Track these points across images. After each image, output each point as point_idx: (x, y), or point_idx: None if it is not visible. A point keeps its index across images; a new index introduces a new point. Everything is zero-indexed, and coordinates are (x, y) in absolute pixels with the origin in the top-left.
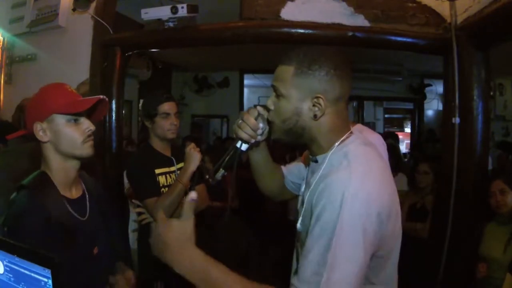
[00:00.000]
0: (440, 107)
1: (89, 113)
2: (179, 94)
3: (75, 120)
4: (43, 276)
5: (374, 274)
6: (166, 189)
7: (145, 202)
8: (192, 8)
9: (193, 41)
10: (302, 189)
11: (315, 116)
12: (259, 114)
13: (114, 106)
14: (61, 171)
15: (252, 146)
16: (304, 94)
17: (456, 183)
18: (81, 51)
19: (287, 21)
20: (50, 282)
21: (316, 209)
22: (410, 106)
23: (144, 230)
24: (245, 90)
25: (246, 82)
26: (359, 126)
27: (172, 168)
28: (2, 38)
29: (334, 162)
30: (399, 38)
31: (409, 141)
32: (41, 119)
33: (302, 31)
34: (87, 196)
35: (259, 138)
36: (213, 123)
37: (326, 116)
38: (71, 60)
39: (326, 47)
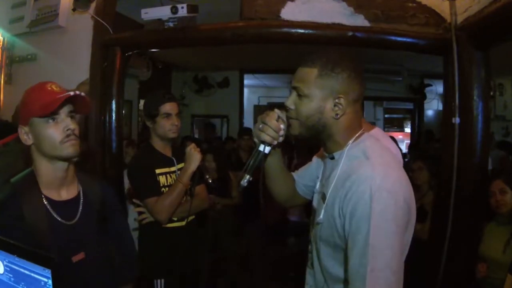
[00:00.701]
0: (440, 107)
1: (75, 110)
2: (179, 94)
3: (53, 120)
4: (43, 276)
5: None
6: (167, 189)
7: (145, 201)
8: (192, 8)
9: (193, 41)
10: (317, 186)
11: (336, 115)
12: (278, 116)
13: (114, 106)
14: (48, 172)
15: (274, 148)
16: (327, 94)
17: (456, 183)
18: (81, 51)
19: (287, 21)
20: (50, 282)
21: (347, 207)
22: (410, 106)
23: (144, 230)
24: (245, 90)
25: (246, 82)
26: (377, 131)
27: (173, 168)
28: (2, 38)
29: (352, 158)
30: (399, 38)
31: (409, 141)
32: (24, 123)
33: (302, 31)
34: (81, 199)
35: (280, 139)
36: (214, 123)
37: (346, 115)
38: (71, 60)
39: (344, 51)
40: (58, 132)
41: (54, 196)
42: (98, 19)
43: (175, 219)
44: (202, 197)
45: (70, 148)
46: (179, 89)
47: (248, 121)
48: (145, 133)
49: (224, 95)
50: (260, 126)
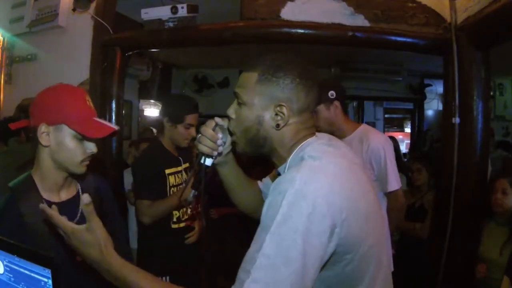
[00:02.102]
0: (440, 107)
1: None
2: (179, 93)
3: (81, 139)
4: (43, 276)
5: (355, 282)
6: (175, 189)
7: (140, 201)
8: (192, 8)
9: (193, 41)
10: None
11: (277, 125)
12: (216, 125)
13: (114, 106)
14: (50, 176)
15: (216, 159)
16: (266, 102)
17: (456, 183)
18: (81, 51)
19: (287, 21)
20: (50, 282)
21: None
22: (410, 106)
23: (147, 228)
24: None
25: None
26: (364, 127)
27: (179, 168)
28: (2, 38)
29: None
30: (399, 38)
31: (409, 141)
32: (49, 122)
33: (302, 31)
34: (80, 198)
35: (220, 149)
36: None
37: (289, 126)
38: (71, 60)
39: (293, 55)
40: (81, 152)
41: (54, 198)
42: (98, 19)
43: (175, 220)
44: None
45: (83, 168)
46: (179, 89)
47: None
48: (146, 133)
49: (224, 95)
50: (198, 136)
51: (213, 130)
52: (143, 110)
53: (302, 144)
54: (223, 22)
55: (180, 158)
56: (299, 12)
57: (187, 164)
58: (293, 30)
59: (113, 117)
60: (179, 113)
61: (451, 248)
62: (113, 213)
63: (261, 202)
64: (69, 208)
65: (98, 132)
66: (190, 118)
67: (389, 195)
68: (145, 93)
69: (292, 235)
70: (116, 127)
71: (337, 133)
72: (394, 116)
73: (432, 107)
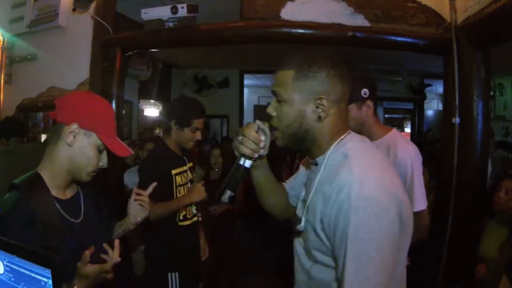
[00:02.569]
0: (440, 107)
1: None
2: (179, 94)
3: (100, 152)
4: (43, 276)
5: (400, 263)
6: (181, 188)
7: None
8: (192, 8)
9: (193, 41)
10: (303, 194)
11: (319, 117)
12: (259, 128)
13: (114, 106)
14: (60, 174)
15: (256, 161)
16: (306, 97)
17: (456, 183)
18: (81, 51)
19: (287, 21)
20: (50, 282)
21: (329, 217)
22: (410, 106)
23: (155, 226)
24: (245, 90)
25: (246, 82)
26: (394, 133)
27: (185, 168)
28: (2, 38)
29: (333, 162)
30: (399, 38)
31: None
32: (81, 125)
33: (302, 31)
34: (81, 195)
35: (261, 152)
36: (213, 123)
37: (330, 117)
38: (71, 60)
39: (321, 49)
40: (95, 162)
41: (60, 195)
42: (98, 19)
43: (181, 218)
44: (201, 191)
45: (89, 178)
46: (179, 89)
47: (248, 121)
48: (146, 133)
49: (224, 95)
50: (239, 138)
51: (256, 132)
52: (143, 110)
53: (340, 138)
54: (223, 22)
55: (184, 158)
56: (299, 12)
57: (190, 164)
58: (293, 30)
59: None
60: (187, 117)
61: (451, 248)
62: (103, 206)
63: (288, 204)
64: (74, 205)
65: (121, 151)
66: (197, 123)
67: (414, 215)
68: (145, 93)
69: (372, 235)
70: (132, 151)
71: (365, 136)
72: (394, 116)
73: (432, 107)
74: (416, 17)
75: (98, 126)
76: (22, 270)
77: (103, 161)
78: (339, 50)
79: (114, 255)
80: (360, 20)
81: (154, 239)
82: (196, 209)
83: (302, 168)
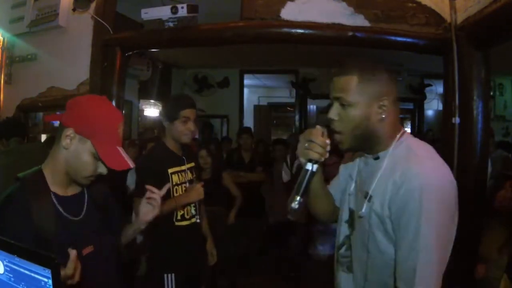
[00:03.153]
0: (440, 107)
1: None
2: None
3: (97, 159)
4: (43, 276)
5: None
6: (179, 187)
7: (137, 199)
8: (192, 8)
9: (193, 41)
10: (352, 188)
11: (382, 117)
12: (323, 132)
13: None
14: (61, 175)
15: (320, 165)
16: (370, 99)
17: (456, 183)
18: (81, 51)
19: (287, 21)
20: (50, 282)
21: (397, 203)
22: (410, 106)
23: (148, 227)
24: (245, 90)
25: (246, 82)
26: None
27: (183, 167)
28: (2, 38)
29: (396, 155)
30: (399, 38)
31: None
32: (77, 130)
33: (302, 31)
34: (85, 194)
35: (326, 156)
36: (213, 123)
37: (390, 116)
38: (71, 60)
39: (367, 57)
40: (92, 169)
41: (62, 192)
42: (98, 19)
43: (179, 218)
44: (199, 192)
45: (87, 183)
46: (179, 88)
47: (248, 121)
48: (146, 133)
49: (224, 95)
50: (306, 144)
51: (322, 136)
52: (143, 110)
53: (399, 134)
54: (223, 22)
55: (183, 157)
56: (299, 12)
57: (192, 164)
58: (293, 30)
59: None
60: (174, 110)
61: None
62: (112, 207)
63: (334, 208)
64: (76, 203)
65: (116, 163)
66: (186, 113)
67: None
68: (145, 93)
69: (438, 218)
70: (131, 165)
71: None
72: None
73: (432, 107)
74: (416, 17)
75: (95, 134)
76: (22, 270)
77: (102, 169)
78: (339, 50)
79: (67, 270)
80: (360, 20)
81: (151, 239)
82: (195, 210)
83: (342, 169)
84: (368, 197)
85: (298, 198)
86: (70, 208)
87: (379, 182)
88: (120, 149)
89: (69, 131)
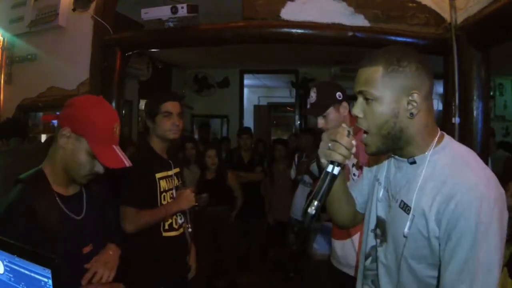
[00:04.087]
0: (440, 107)
1: None
2: (180, 94)
3: (93, 157)
4: (43, 276)
5: None
6: (167, 193)
7: (124, 207)
8: (192, 8)
9: (193, 41)
10: (381, 194)
11: (411, 114)
12: (349, 132)
13: (114, 106)
14: (60, 173)
15: (343, 168)
16: (398, 93)
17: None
18: (81, 51)
19: (287, 21)
20: (50, 282)
21: (446, 217)
22: None
23: (140, 237)
24: (245, 90)
25: (246, 82)
26: None
27: (170, 172)
28: (2, 38)
29: (439, 162)
30: (399, 38)
31: None
32: (73, 129)
33: (302, 31)
34: (84, 193)
35: (352, 158)
36: (213, 123)
37: (421, 113)
38: (71, 60)
39: (402, 47)
40: (89, 167)
41: (63, 191)
42: (98, 19)
43: (167, 227)
44: (189, 200)
45: (85, 181)
46: (179, 89)
47: (248, 121)
48: (145, 133)
49: (224, 95)
50: (330, 144)
51: (347, 137)
52: (143, 110)
53: (436, 137)
54: (223, 22)
55: (170, 161)
56: (299, 12)
57: (177, 169)
58: (293, 30)
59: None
60: (154, 105)
61: None
62: (109, 206)
63: (356, 212)
64: (76, 202)
65: (111, 162)
66: (166, 106)
67: None
68: (145, 93)
69: (495, 237)
70: (127, 164)
71: None
72: None
73: None
74: (416, 17)
75: (90, 133)
76: (22, 270)
77: (98, 167)
78: (339, 50)
79: None
80: (360, 20)
81: (138, 249)
82: (182, 218)
83: (366, 171)
84: (404, 207)
85: (316, 203)
86: (72, 207)
87: (419, 192)
88: (116, 148)
89: (66, 131)
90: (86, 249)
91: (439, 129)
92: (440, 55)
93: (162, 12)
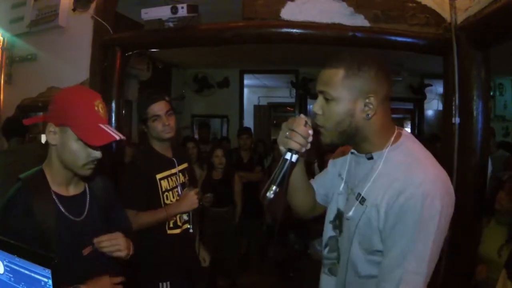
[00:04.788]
0: (440, 107)
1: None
2: (179, 94)
3: (86, 143)
4: (43, 276)
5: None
6: (169, 193)
7: (128, 211)
8: (192, 8)
9: (193, 41)
10: (341, 187)
11: (367, 115)
12: (306, 122)
13: (114, 106)
14: (60, 173)
15: (302, 156)
16: (356, 95)
17: (456, 183)
18: (81, 51)
19: (287, 21)
20: (50, 282)
21: (394, 210)
22: (410, 106)
23: (144, 234)
24: (245, 90)
25: (246, 82)
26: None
27: (174, 170)
28: (2, 38)
29: (395, 158)
30: (399, 38)
31: None
32: (55, 122)
33: (302, 31)
34: (88, 194)
35: (308, 146)
36: (213, 123)
37: (377, 115)
38: (71, 60)
39: (365, 52)
40: (83, 155)
41: (63, 191)
42: (98, 19)
43: (171, 225)
44: (193, 200)
45: (87, 172)
46: (179, 89)
47: (248, 121)
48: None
49: (224, 95)
50: (287, 133)
51: (304, 126)
52: None
53: (393, 135)
54: (223, 22)
55: (174, 159)
56: (299, 12)
57: (184, 165)
58: (293, 30)
59: (113, 117)
60: (141, 111)
61: (451, 248)
62: (118, 206)
63: (315, 203)
64: (77, 203)
65: (96, 139)
66: (152, 110)
67: None
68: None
69: (435, 230)
70: (117, 137)
71: None
72: (394, 116)
73: (432, 107)
74: (416, 17)
75: (72, 119)
76: (22, 270)
77: (94, 152)
78: (339, 50)
79: None
80: (360, 20)
81: (143, 247)
82: (188, 216)
83: (331, 165)
84: (360, 199)
85: (274, 187)
86: (71, 208)
87: (374, 185)
88: (104, 126)
89: (50, 127)
90: (86, 251)
91: (396, 128)
92: (440, 55)
93: (162, 12)
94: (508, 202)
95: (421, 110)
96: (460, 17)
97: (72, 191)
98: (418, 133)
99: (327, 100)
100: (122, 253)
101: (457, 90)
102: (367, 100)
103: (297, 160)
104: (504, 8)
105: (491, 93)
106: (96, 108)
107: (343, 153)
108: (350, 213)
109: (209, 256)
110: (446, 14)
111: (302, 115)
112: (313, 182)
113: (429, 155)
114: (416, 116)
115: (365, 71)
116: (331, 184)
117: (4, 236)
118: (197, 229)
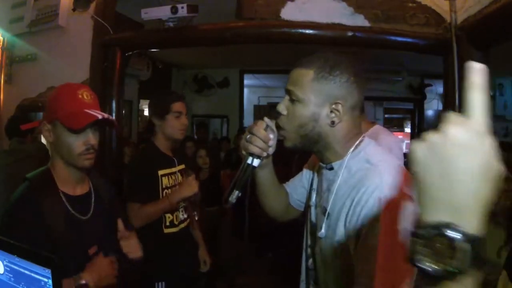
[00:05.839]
0: (440, 107)
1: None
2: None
3: (76, 133)
4: (43, 276)
5: None
6: (168, 190)
7: (130, 204)
8: (192, 8)
9: (193, 41)
10: (314, 198)
11: (332, 122)
12: (267, 126)
13: (114, 106)
14: (63, 171)
15: (263, 160)
16: (323, 100)
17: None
18: (81, 51)
19: (287, 21)
20: (50, 282)
21: (356, 221)
22: (410, 106)
23: (141, 233)
24: (245, 90)
25: (246, 82)
26: (376, 128)
27: (174, 169)
28: (2, 38)
29: (353, 167)
30: (399, 38)
31: (409, 141)
32: (48, 121)
33: (302, 31)
34: (93, 194)
35: (270, 150)
36: (213, 123)
37: (343, 123)
38: (71, 60)
39: (345, 53)
40: (78, 144)
41: (70, 191)
42: (98, 19)
43: (168, 224)
44: (192, 185)
45: (85, 162)
46: (179, 89)
47: (248, 121)
48: (145, 133)
49: (224, 95)
50: (248, 137)
51: (265, 130)
52: (143, 110)
53: (355, 143)
54: (223, 22)
55: (174, 158)
56: (299, 12)
57: (182, 166)
58: (293, 30)
59: (113, 117)
60: (165, 104)
61: None
62: (118, 208)
63: (288, 206)
64: (84, 202)
65: (77, 122)
66: (177, 106)
67: None
68: (145, 93)
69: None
70: (100, 116)
71: None
72: (394, 116)
73: (432, 107)
74: (416, 17)
75: (59, 112)
76: (22, 270)
77: (85, 139)
78: (339, 50)
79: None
80: (360, 20)
81: (141, 243)
82: (183, 214)
83: (305, 171)
84: (326, 215)
85: (236, 192)
86: (78, 207)
87: (336, 198)
88: (90, 110)
89: (45, 126)
90: (92, 250)
91: (362, 136)
92: (440, 55)
93: (162, 12)
94: (506, 200)
95: (421, 110)
96: (460, 17)
97: (78, 190)
98: (418, 133)
99: (293, 100)
100: (138, 254)
101: (457, 90)
102: (333, 106)
103: (260, 164)
104: (504, 8)
105: (491, 93)
106: (80, 96)
107: (315, 162)
108: (322, 231)
109: (210, 260)
110: (446, 14)
111: (265, 118)
112: (287, 185)
113: (389, 158)
114: (416, 116)
115: (336, 75)
116: (305, 191)
117: (12, 235)
118: (196, 226)
